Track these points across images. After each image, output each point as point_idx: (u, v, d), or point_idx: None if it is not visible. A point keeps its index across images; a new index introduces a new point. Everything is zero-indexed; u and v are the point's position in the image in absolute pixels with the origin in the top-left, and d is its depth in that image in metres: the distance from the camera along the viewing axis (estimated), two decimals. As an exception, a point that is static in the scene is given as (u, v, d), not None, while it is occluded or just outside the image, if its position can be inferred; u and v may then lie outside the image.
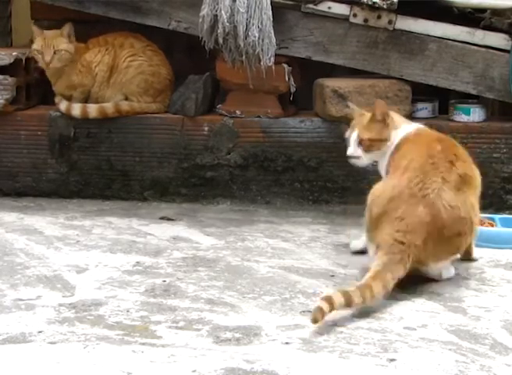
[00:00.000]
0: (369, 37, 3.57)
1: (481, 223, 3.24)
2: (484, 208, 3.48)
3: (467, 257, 2.89)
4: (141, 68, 3.73)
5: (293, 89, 3.63)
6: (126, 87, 3.72)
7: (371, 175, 3.60)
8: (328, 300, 2.32)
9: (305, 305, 2.50)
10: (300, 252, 3.03)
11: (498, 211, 3.49)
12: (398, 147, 2.85)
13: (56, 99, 3.75)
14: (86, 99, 3.76)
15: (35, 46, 3.68)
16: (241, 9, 3.38)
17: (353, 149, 2.92)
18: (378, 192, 2.72)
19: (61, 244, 3.09)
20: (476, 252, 3.04)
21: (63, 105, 3.70)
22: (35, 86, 3.89)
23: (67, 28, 3.69)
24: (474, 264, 2.91)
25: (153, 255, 2.97)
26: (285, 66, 3.61)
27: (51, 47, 3.65)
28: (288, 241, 3.16)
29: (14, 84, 3.69)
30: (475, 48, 3.52)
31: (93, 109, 3.68)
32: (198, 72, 3.77)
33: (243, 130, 3.65)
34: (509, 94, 3.49)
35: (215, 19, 3.41)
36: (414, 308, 2.49)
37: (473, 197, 2.71)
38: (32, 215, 3.48)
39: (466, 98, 3.64)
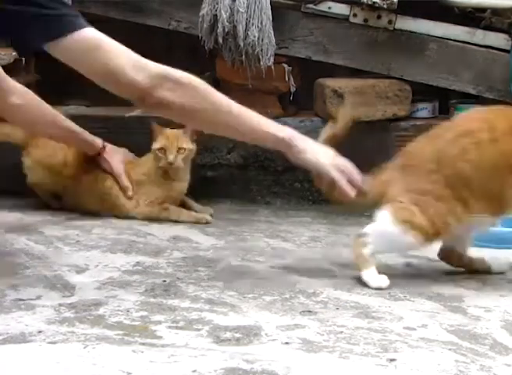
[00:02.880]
0: (369, 37, 3.57)
1: (481, 223, 3.25)
2: (484, 208, 3.50)
3: None
4: None
5: (293, 89, 3.64)
6: None
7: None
8: None
9: (305, 305, 2.50)
10: (300, 252, 3.03)
11: (498, 211, 3.49)
12: None
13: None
14: None
15: (157, 145, 3.46)
16: (241, 9, 3.38)
17: None
18: None
19: (61, 244, 3.09)
20: (476, 252, 3.04)
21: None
22: (35, 86, 3.89)
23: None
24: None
25: (153, 255, 2.97)
26: (285, 65, 3.61)
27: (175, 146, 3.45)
28: (288, 241, 3.16)
29: (14, 84, 3.68)
30: (475, 48, 3.52)
31: None
32: (198, 72, 3.76)
33: (243, 130, 3.64)
34: (509, 94, 3.49)
35: (215, 18, 3.41)
36: (414, 308, 2.49)
37: None
38: (32, 215, 3.48)
39: (466, 98, 3.64)
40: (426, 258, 2.98)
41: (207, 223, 3.40)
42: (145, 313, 2.42)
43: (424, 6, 3.54)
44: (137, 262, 2.89)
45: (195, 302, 2.52)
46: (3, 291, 2.60)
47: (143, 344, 2.20)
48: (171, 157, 3.41)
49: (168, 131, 3.44)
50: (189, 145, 3.46)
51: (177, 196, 3.51)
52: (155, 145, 3.44)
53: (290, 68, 3.63)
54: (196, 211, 3.51)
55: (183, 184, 3.51)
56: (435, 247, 3.12)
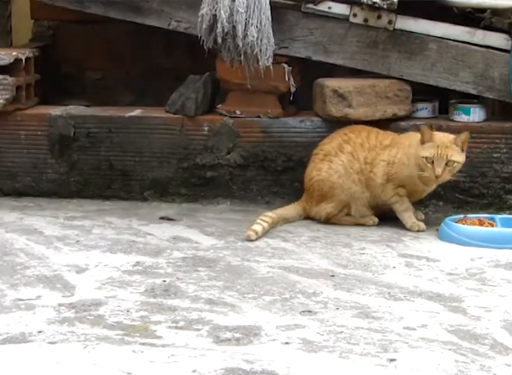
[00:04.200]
0: (369, 37, 3.57)
1: (481, 223, 3.24)
2: (484, 208, 3.50)
3: None
4: None
5: (293, 89, 3.63)
6: None
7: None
8: None
9: (305, 305, 2.50)
10: (300, 252, 3.03)
11: (498, 211, 3.49)
12: None
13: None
14: None
15: (426, 153, 3.20)
16: (240, 9, 3.38)
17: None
18: None
19: (61, 244, 3.09)
20: (476, 252, 3.04)
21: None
22: (35, 86, 3.89)
23: (463, 137, 3.24)
24: (474, 264, 2.92)
25: (153, 255, 2.97)
26: (285, 65, 3.61)
27: (444, 157, 3.19)
28: (288, 241, 3.16)
29: (14, 84, 3.68)
30: (475, 48, 3.52)
31: None
32: (198, 72, 3.77)
33: (243, 130, 3.65)
34: (509, 94, 3.49)
35: (214, 18, 3.41)
36: (414, 308, 2.49)
37: None
38: (32, 215, 3.48)
39: (466, 98, 3.64)
40: (426, 258, 2.98)
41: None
42: (145, 313, 2.43)
43: (424, 6, 3.54)
44: (137, 262, 2.89)
45: (195, 302, 2.52)
46: (3, 291, 2.60)
47: (143, 344, 2.21)
48: (439, 170, 3.18)
49: (439, 138, 3.21)
50: (459, 158, 3.22)
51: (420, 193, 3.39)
52: (423, 153, 3.20)
53: (290, 68, 3.62)
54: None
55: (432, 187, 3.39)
56: (436, 248, 3.12)
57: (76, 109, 3.81)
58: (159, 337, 2.25)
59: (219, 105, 3.72)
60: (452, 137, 3.25)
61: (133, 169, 3.72)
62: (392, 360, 2.12)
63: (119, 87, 4.23)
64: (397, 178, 3.31)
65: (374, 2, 3.47)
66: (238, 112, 3.66)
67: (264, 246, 3.10)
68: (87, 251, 3.01)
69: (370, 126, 3.45)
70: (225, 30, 3.39)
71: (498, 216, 3.33)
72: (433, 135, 3.24)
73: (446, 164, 3.20)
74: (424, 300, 2.56)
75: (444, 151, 3.19)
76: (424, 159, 3.20)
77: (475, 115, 3.57)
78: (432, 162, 3.19)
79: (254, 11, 3.40)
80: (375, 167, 3.33)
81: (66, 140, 3.72)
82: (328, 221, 3.37)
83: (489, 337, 2.28)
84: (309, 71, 3.71)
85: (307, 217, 3.42)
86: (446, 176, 3.23)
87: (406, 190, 3.32)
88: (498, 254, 3.03)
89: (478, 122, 3.57)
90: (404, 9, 3.51)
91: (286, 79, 3.62)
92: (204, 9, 3.42)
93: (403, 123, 3.58)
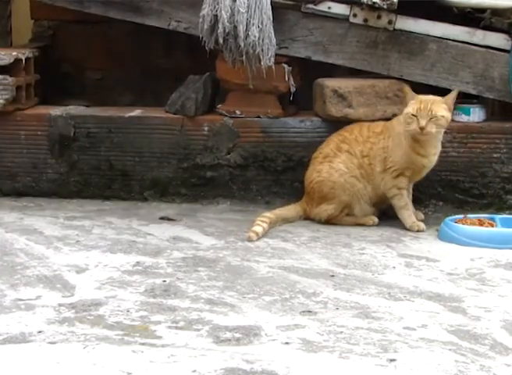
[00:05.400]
0: (369, 37, 3.57)
1: (481, 223, 3.25)
2: (484, 208, 3.50)
3: None
4: None
5: (293, 89, 3.64)
6: None
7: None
8: None
9: (305, 305, 2.50)
10: (300, 252, 3.03)
11: (498, 211, 3.49)
12: None
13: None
14: None
15: (409, 109, 3.24)
16: (241, 9, 3.38)
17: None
18: None
19: (61, 244, 3.09)
20: (476, 252, 3.05)
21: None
22: (35, 86, 3.89)
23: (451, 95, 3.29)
24: (474, 264, 2.92)
25: (153, 255, 2.97)
26: (285, 66, 3.61)
27: (429, 112, 3.22)
28: (288, 241, 3.16)
29: (14, 84, 3.69)
30: (475, 48, 3.52)
31: None
32: (198, 72, 3.77)
33: (243, 130, 3.65)
34: (509, 94, 3.49)
35: (215, 19, 3.41)
36: (414, 308, 2.49)
37: None
38: (32, 215, 3.48)
39: (466, 98, 3.64)
40: (426, 258, 2.98)
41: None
42: (145, 313, 2.43)
43: (423, 6, 3.54)
44: (137, 262, 2.89)
45: (195, 302, 2.52)
46: (3, 291, 2.60)
47: (143, 344, 2.21)
48: (422, 122, 3.19)
49: (422, 96, 3.25)
50: (444, 113, 3.23)
51: (419, 170, 3.37)
52: (407, 109, 3.26)
53: (290, 68, 3.63)
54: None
55: (430, 158, 3.35)
56: (436, 248, 3.12)
57: (76, 109, 3.81)
58: (159, 337, 2.25)
59: (219, 105, 3.72)
60: (438, 97, 3.27)
61: (133, 169, 3.72)
62: (392, 360, 2.12)
63: (118, 87, 4.24)
64: (393, 161, 3.31)
65: (374, 2, 3.47)
66: (238, 112, 3.66)
67: (264, 246, 3.10)
68: (87, 251, 3.01)
69: (363, 122, 3.45)
70: (227, 31, 3.40)
71: (498, 216, 3.33)
72: (416, 95, 3.27)
73: (430, 119, 3.21)
74: (424, 300, 2.56)
75: (428, 106, 3.22)
76: (408, 115, 3.24)
77: (475, 115, 3.57)
78: (417, 117, 3.22)
79: (255, 11, 3.40)
80: (373, 157, 3.34)
81: (66, 140, 3.72)
82: (328, 222, 3.37)
83: (489, 337, 2.28)
84: (309, 71, 3.72)
85: (307, 218, 3.42)
86: (432, 130, 3.22)
87: (406, 176, 3.31)
88: (498, 254, 3.03)
89: (477, 122, 3.57)
90: (404, 9, 3.51)
91: (286, 79, 3.62)
92: (205, 10, 3.42)
93: (403, 123, 3.58)
